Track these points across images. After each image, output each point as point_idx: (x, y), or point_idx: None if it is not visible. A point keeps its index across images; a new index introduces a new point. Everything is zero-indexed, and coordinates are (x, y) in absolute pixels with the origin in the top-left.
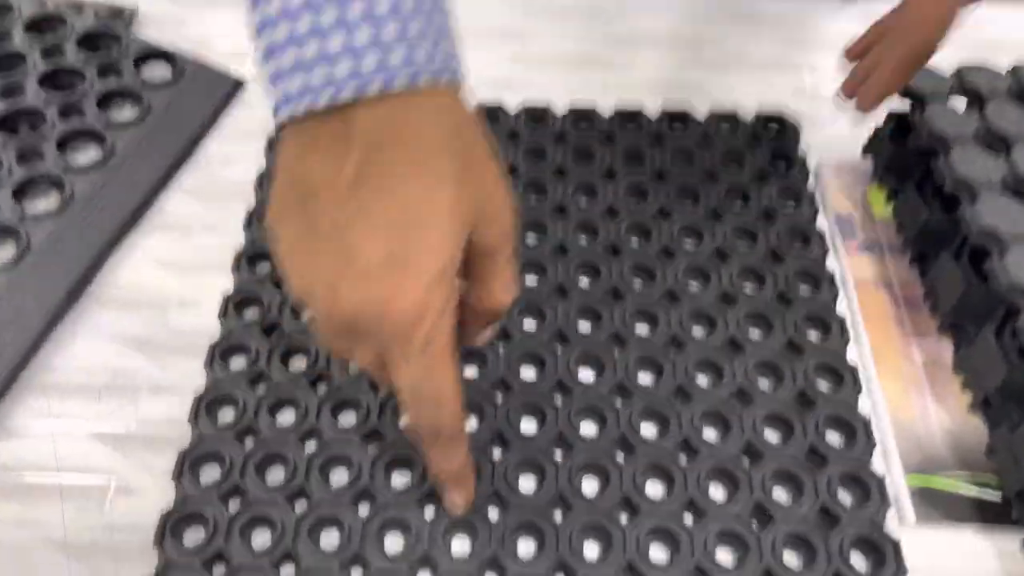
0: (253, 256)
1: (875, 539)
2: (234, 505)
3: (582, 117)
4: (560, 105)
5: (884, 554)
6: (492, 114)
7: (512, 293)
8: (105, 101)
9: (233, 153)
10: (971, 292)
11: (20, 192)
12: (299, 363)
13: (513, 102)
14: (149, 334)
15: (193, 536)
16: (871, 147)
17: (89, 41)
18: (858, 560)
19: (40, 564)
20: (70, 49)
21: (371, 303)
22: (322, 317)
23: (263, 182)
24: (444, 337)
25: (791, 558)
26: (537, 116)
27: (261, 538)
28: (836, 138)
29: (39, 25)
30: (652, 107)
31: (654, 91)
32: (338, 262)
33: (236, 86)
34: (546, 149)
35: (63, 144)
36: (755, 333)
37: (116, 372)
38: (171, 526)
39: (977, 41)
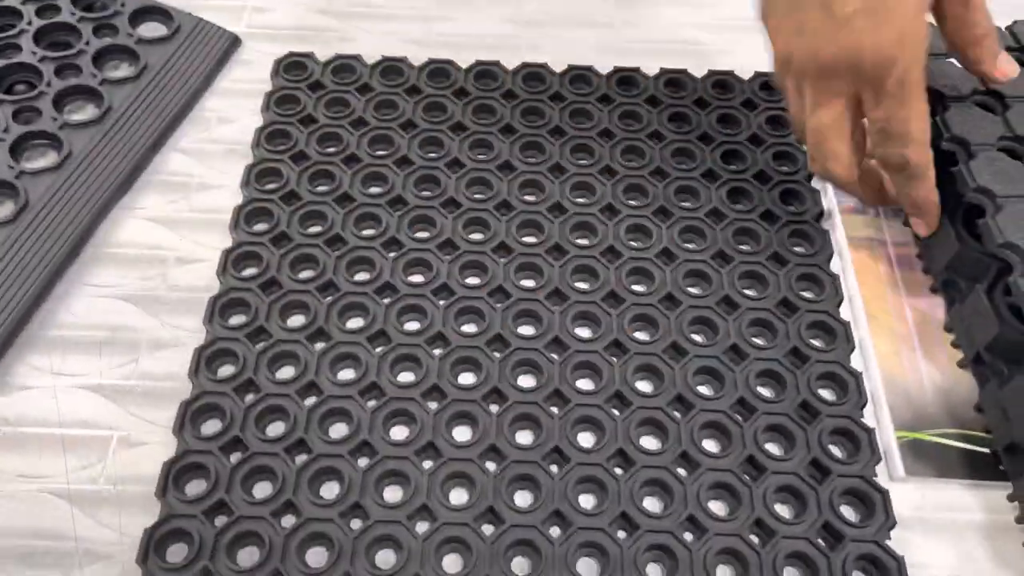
0: (251, 213)
1: (864, 491)
2: (235, 457)
3: (579, 77)
4: (557, 65)
5: (873, 505)
6: (489, 73)
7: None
8: (101, 58)
9: (230, 111)
10: (964, 251)
11: (17, 149)
12: (298, 319)
13: (511, 62)
14: (148, 290)
15: (195, 487)
16: None
17: None
18: (848, 511)
19: (45, 514)
20: (65, 6)
21: (850, 49)
22: (803, 67)
23: (260, 139)
24: (916, 77)
25: (782, 509)
26: (535, 75)
27: (262, 489)
28: None
29: None
30: (649, 69)
31: (651, 52)
32: (820, 16)
33: (233, 43)
34: (543, 109)
35: (59, 102)
36: (749, 291)
37: (116, 328)
38: (173, 477)
39: None
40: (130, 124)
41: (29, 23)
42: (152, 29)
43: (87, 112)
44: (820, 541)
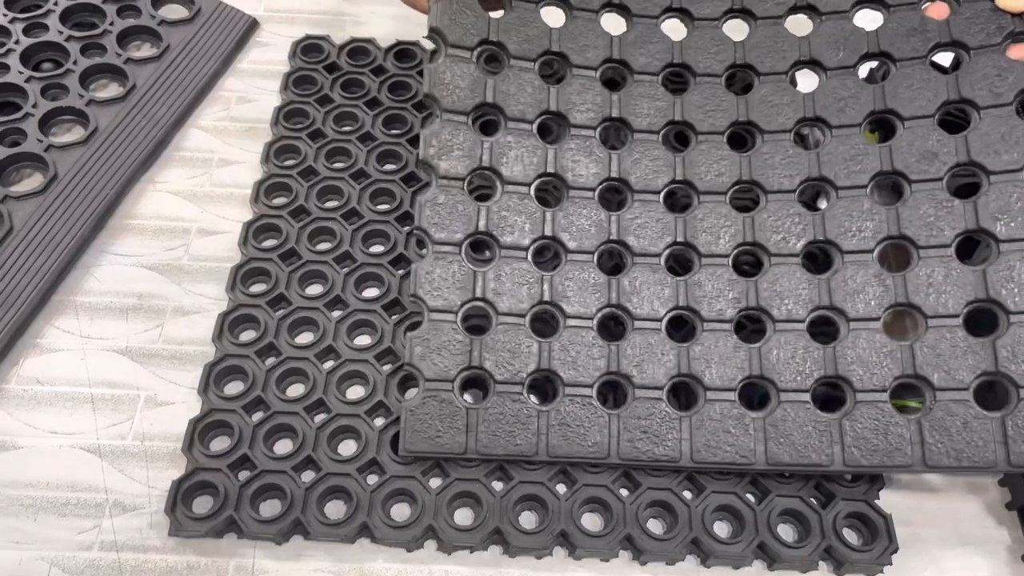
0: (271, 187)
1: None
2: (257, 416)
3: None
4: None
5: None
6: None
7: None
8: (125, 38)
9: (249, 91)
10: None
11: (45, 124)
12: (316, 288)
13: None
14: (172, 260)
15: (219, 443)
16: None
17: None
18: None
19: (76, 467)
20: None
21: None
22: None
23: (279, 118)
24: None
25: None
26: None
27: (283, 446)
28: None
29: None
30: None
31: None
32: None
33: (252, 25)
34: None
35: (85, 80)
36: None
37: (142, 295)
38: (199, 433)
39: None
40: (153, 102)
41: (55, 3)
42: (174, 11)
43: (112, 90)
44: (812, 499)
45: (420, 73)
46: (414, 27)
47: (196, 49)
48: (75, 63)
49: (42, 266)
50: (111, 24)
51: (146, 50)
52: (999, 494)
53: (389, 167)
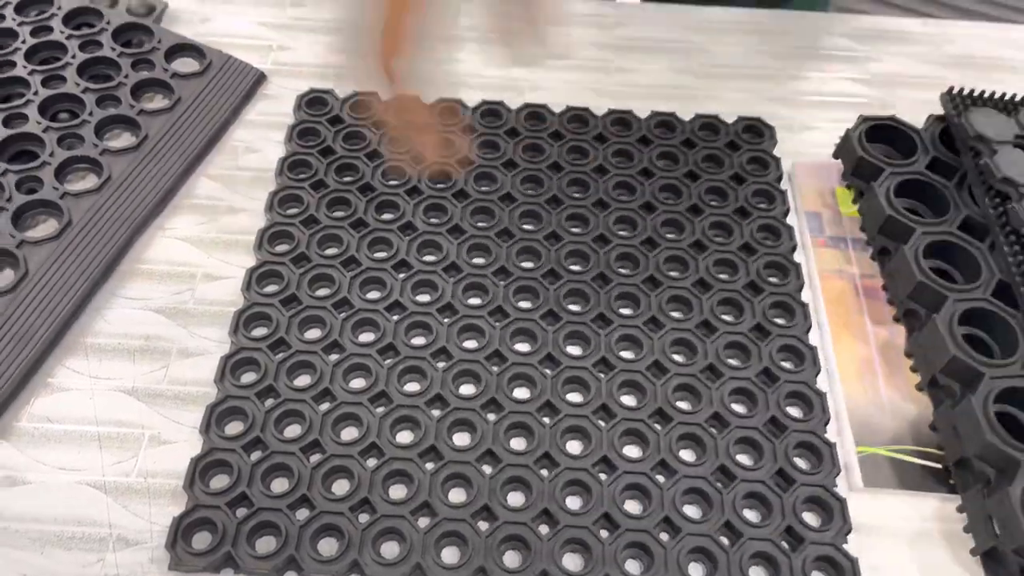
0: (274, 235)
1: (825, 499)
2: (255, 455)
3: (577, 118)
4: (556, 106)
5: (832, 512)
6: (494, 111)
7: None
8: (138, 91)
9: (256, 141)
10: (922, 284)
11: (61, 172)
12: (315, 332)
13: (514, 102)
14: (178, 304)
15: (219, 481)
16: (841, 151)
17: (122, 34)
18: (809, 517)
19: (81, 503)
20: (106, 42)
21: None
22: None
23: (283, 168)
24: None
25: (750, 514)
26: (536, 114)
27: (279, 484)
28: (809, 142)
29: (77, 18)
30: (642, 111)
31: (644, 96)
32: None
33: (259, 79)
34: (542, 146)
35: (100, 130)
36: (727, 316)
37: (149, 337)
38: (199, 471)
39: (945, 56)
40: (164, 151)
41: (73, 57)
42: (185, 64)
43: (125, 139)
44: (783, 543)
45: None
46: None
47: (206, 101)
48: (91, 114)
49: (55, 308)
50: (125, 77)
51: (158, 102)
52: (965, 540)
53: (386, 216)
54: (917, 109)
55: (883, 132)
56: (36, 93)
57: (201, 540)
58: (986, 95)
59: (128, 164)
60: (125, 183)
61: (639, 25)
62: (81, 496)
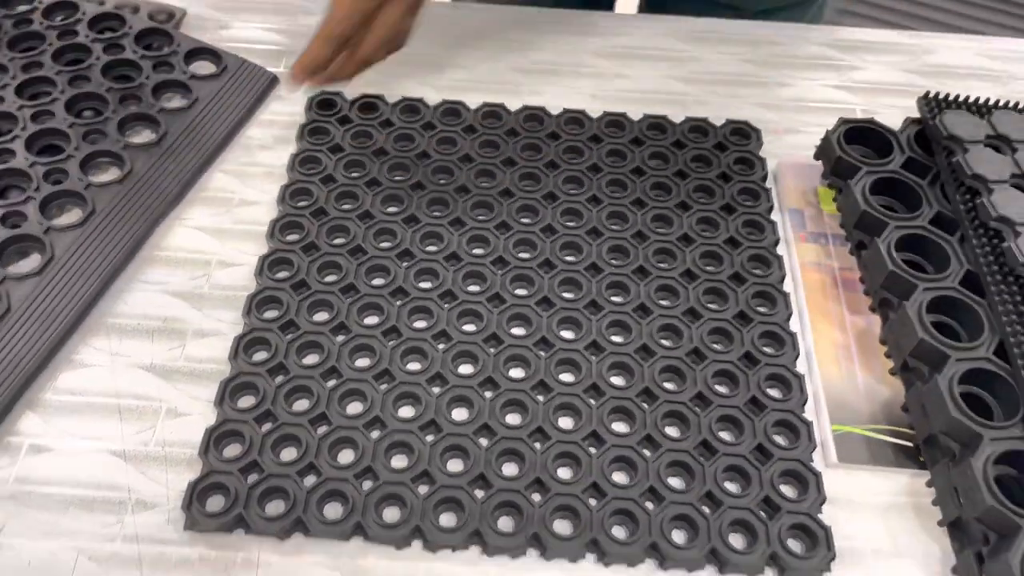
0: (285, 225)
1: (801, 472)
2: (266, 426)
3: (573, 120)
4: (554, 108)
5: (808, 483)
6: (495, 113)
7: None
8: (158, 91)
9: (268, 139)
10: (894, 274)
11: (85, 165)
12: (323, 315)
13: (514, 105)
14: (194, 288)
15: (232, 450)
16: (822, 151)
17: (144, 38)
18: (786, 489)
19: (103, 468)
20: (128, 44)
21: None
22: None
23: (294, 164)
24: None
25: (730, 486)
26: (534, 116)
27: (288, 453)
28: (793, 144)
29: (101, 23)
30: (635, 115)
31: (638, 101)
32: None
33: (272, 81)
34: (540, 145)
35: (122, 126)
36: (712, 304)
37: (167, 319)
38: (214, 440)
39: (924, 65)
40: (182, 147)
41: (97, 58)
42: (203, 67)
43: (146, 136)
44: (761, 512)
45: (423, 127)
46: (419, 86)
47: (222, 101)
48: (113, 111)
49: (79, 291)
50: (146, 78)
51: (177, 101)
52: (933, 512)
53: (391, 209)
54: (896, 115)
55: (862, 134)
56: (63, 91)
57: (214, 503)
58: (960, 99)
59: (149, 159)
60: (146, 176)
61: (633, 35)
62: (102, 463)
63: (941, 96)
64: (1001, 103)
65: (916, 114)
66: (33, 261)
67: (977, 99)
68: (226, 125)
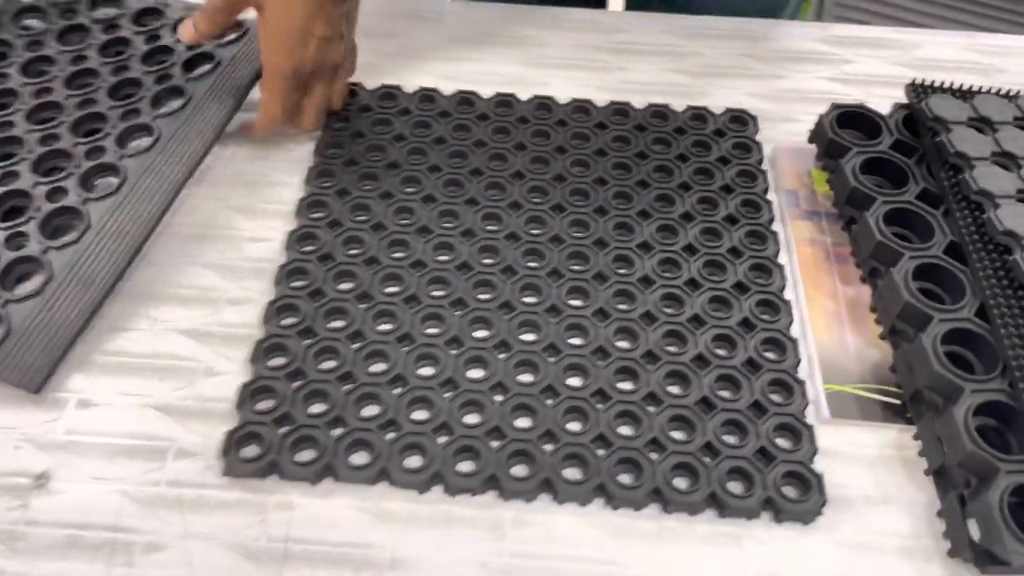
0: (312, 203)
1: (795, 425)
2: (296, 383)
3: (580, 108)
4: (562, 98)
5: (801, 436)
6: (506, 102)
7: None
8: (188, 64)
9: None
10: (882, 244)
11: (121, 140)
12: (349, 284)
13: (524, 95)
14: (227, 261)
15: (265, 404)
16: (815, 135)
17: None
18: (781, 441)
19: (145, 421)
20: (166, 32)
21: None
22: None
23: (320, 148)
24: None
25: (729, 438)
26: (544, 105)
27: (317, 407)
28: (787, 131)
29: (144, 16)
30: (639, 104)
31: (641, 92)
32: None
33: None
34: (549, 132)
35: (155, 102)
36: (712, 276)
37: (201, 288)
38: (249, 394)
39: (913, 59)
40: (206, 112)
41: (137, 47)
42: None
43: (173, 105)
44: (757, 462)
45: (440, 115)
46: (434, 79)
47: (243, 61)
48: (147, 90)
49: (115, 253)
50: (178, 56)
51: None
52: (919, 463)
53: (409, 190)
54: (886, 104)
55: (853, 118)
56: (105, 81)
57: (249, 451)
58: (944, 86)
59: (175, 123)
60: (172, 141)
61: (635, 31)
62: (144, 416)
63: (927, 83)
64: (983, 90)
65: (904, 102)
66: (73, 232)
67: (960, 86)
68: (246, 85)
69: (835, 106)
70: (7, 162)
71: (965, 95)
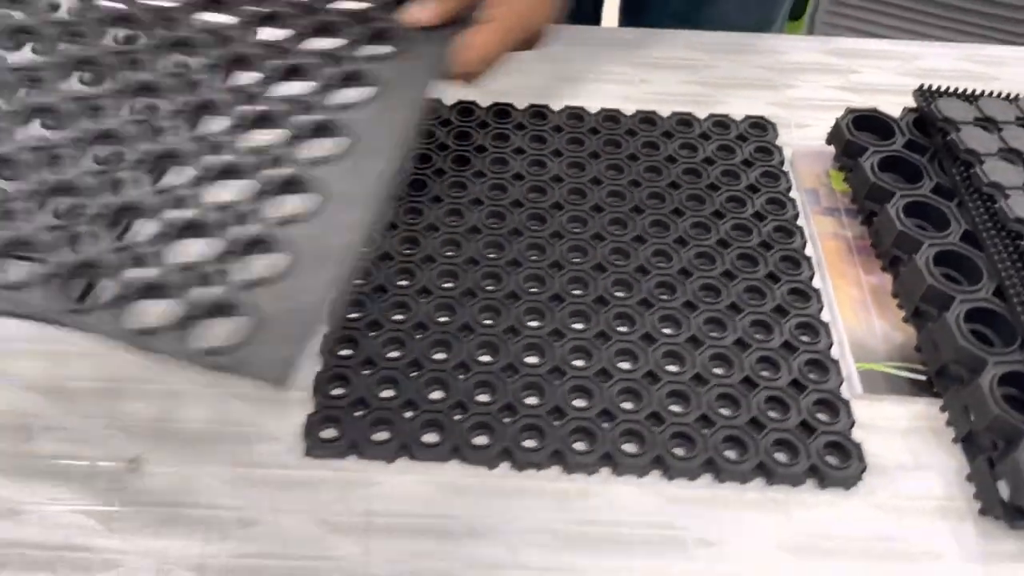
0: None
1: (832, 400)
2: (367, 371)
3: (610, 117)
4: (593, 108)
5: (839, 410)
6: (540, 113)
7: None
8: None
9: None
10: (903, 233)
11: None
12: (405, 280)
13: (557, 106)
14: None
15: (339, 390)
16: (833, 137)
17: None
18: (821, 415)
19: (228, 409)
20: None
21: None
22: None
23: None
24: None
25: (773, 413)
26: (576, 115)
27: (388, 392)
28: (802, 135)
29: None
30: (664, 112)
31: (665, 101)
32: None
33: None
34: (583, 139)
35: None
36: (744, 268)
37: None
38: (325, 381)
39: (915, 69)
40: None
41: None
42: None
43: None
44: (800, 433)
45: (479, 125)
46: (473, 93)
47: None
48: None
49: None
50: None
51: None
52: (948, 432)
53: (455, 193)
54: (894, 109)
55: (866, 122)
56: None
57: (328, 434)
58: (950, 90)
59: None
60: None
61: (651, 47)
62: (227, 404)
63: (934, 88)
64: (986, 94)
65: (913, 106)
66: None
67: (964, 90)
68: None
69: (850, 110)
70: None
71: (969, 98)
